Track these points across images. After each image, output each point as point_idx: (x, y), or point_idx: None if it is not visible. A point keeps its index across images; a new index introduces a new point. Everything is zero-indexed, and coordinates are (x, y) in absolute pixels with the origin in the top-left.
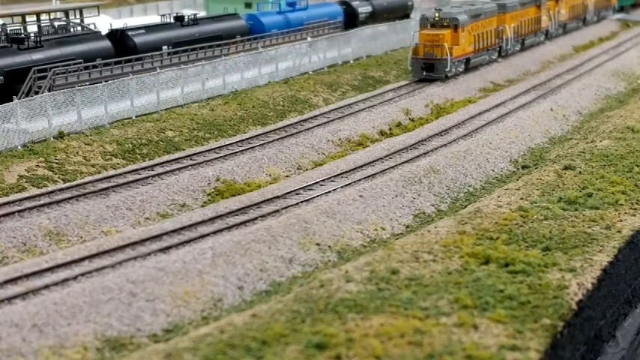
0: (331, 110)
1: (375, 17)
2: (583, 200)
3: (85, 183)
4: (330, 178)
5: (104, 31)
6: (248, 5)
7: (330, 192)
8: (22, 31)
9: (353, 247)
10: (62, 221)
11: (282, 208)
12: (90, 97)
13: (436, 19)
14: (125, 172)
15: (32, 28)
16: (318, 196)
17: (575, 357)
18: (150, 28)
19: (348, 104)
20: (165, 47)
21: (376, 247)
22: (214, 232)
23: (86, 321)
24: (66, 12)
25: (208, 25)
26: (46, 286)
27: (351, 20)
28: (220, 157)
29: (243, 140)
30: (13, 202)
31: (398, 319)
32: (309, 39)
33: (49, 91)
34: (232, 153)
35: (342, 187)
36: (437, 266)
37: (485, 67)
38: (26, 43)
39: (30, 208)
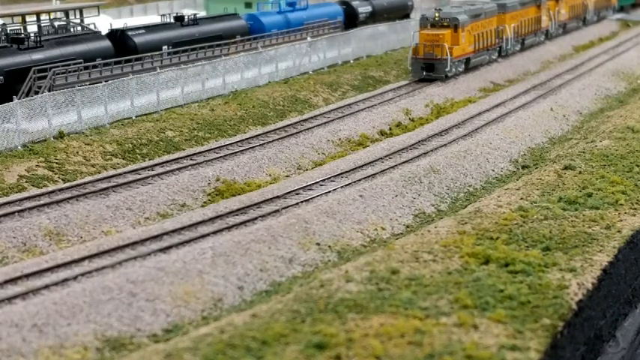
0: (331, 110)
1: (375, 17)
2: (583, 200)
3: (85, 183)
4: (330, 178)
5: (104, 31)
6: (248, 5)
7: (330, 192)
8: (22, 31)
9: (353, 247)
10: (62, 221)
11: (282, 208)
12: (90, 97)
13: (436, 19)
14: (125, 172)
15: (32, 28)
16: (318, 196)
17: (575, 357)
18: (150, 28)
19: (348, 104)
20: (165, 47)
21: (376, 247)
22: (214, 232)
23: (86, 321)
24: (66, 12)
25: (208, 25)
26: (46, 286)
27: (351, 20)
28: (220, 157)
29: (243, 140)
30: (13, 202)
31: (398, 319)
32: (309, 39)
33: (49, 91)
34: (232, 153)
35: (342, 187)
36: (437, 266)
37: (485, 67)
38: (26, 43)
39: (30, 208)
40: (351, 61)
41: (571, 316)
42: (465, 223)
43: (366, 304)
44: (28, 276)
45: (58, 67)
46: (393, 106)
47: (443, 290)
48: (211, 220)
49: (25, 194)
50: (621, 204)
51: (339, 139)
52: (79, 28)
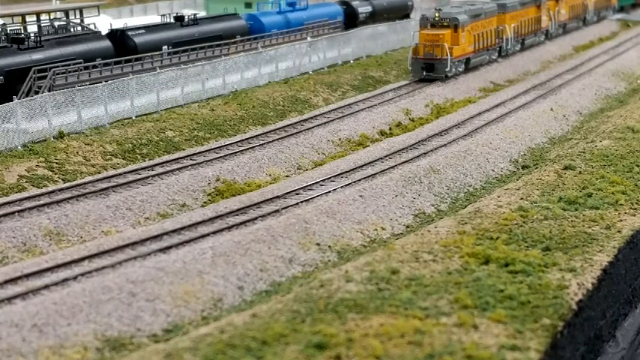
0: (331, 110)
1: (375, 17)
2: (583, 200)
3: (85, 183)
4: (330, 178)
5: (104, 31)
6: (248, 5)
7: (330, 192)
8: (22, 31)
9: (353, 247)
10: (62, 221)
11: (282, 208)
12: (90, 97)
13: (436, 19)
14: (125, 172)
15: (32, 28)
16: (318, 196)
17: (575, 357)
18: (150, 28)
19: (348, 104)
20: (165, 47)
21: (376, 247)
22: (214, 232)
23: (86, 321)
24: (66, 12)
25: (208, 25)
26: (46, 286)
27: (351, 20)
28: (220, 157)
29: (243, 140)
30: (13, 202)
31: (398, 319)
32: (309, 39)
33: (49, 91)
34: (232, 153)
35: (342, 187)
36: (437, 266)
37: (485, 67)
38: (26, 43)
39: (30, 208)
40: (351, 61)
41: (571, 316)
42: (465, 223)
43: (366, 304)
44: (28, 276)
45: (58, 67)
46: (393, 106)
47: (443, 290)
48: (211, 220)
49: (25, 194)
50: (621, 204)
51: (339, 139)
52: (79, 28)
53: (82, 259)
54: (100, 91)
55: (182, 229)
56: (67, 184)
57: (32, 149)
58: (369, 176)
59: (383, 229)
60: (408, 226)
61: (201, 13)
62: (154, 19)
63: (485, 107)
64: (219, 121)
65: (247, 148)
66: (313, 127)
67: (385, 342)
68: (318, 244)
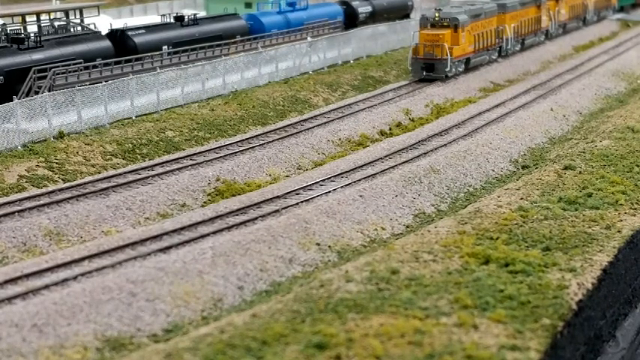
0: (331, 110)
1: (375, 17)
2: (583, 200)
3: (85, 183)
4: (330, 178)
5: (104, 31)
6: (248, 5)
7: (330, 192)
8: (22, 31)
9: (353, 247)
10: (62, 221)
11: (282, 208)
12: (90, 97)
13: (436, 19)
14: (125, 172)
15: (32, 28)
16: (318, 196)
17: (575, 357)
18: (150, 28)
19: (348, 104)
20: (165, 47)
21: (376, 247)
22: (214, 232)
23: (86, 321)
24: (66, 12)
25: (208, 25)
26: (46, 286)
27: (351, 20)
28: (220, 157)
29: (243, 140)
30: (13, 202)
31: (398, 319)
32: (309, 39)
33: (49, 91)
34: (232, 153)
35: (342, 187)
36: (437, 266)
37: (485, 67)
38: (26, 43)
39: (30, 208)
40: (351, 61)
41: (571, 316)
42: (465, 223)
43: (366, 304)
44: (28, 276)
45: (58, 67)
46: (393, 106)
47: (443, 290)
48: (211, 220)
49: (25, 194)
50: (621, 204)
51: (339, 139)
52: (79, 28)
53: (82, 259)
54: (100, 91)
55: (182, 229)
56: (67, 184)
57: (32, 149)
58: (369, 176)
59: (383, 229)
60: (408, 226)
61: (201, 13)
62: (154, 19)
63: (486, 107)
64: (219, 121)
65: (247, 148)
66: (313, 127)
67: (385, 342)
68: (318, 244)
